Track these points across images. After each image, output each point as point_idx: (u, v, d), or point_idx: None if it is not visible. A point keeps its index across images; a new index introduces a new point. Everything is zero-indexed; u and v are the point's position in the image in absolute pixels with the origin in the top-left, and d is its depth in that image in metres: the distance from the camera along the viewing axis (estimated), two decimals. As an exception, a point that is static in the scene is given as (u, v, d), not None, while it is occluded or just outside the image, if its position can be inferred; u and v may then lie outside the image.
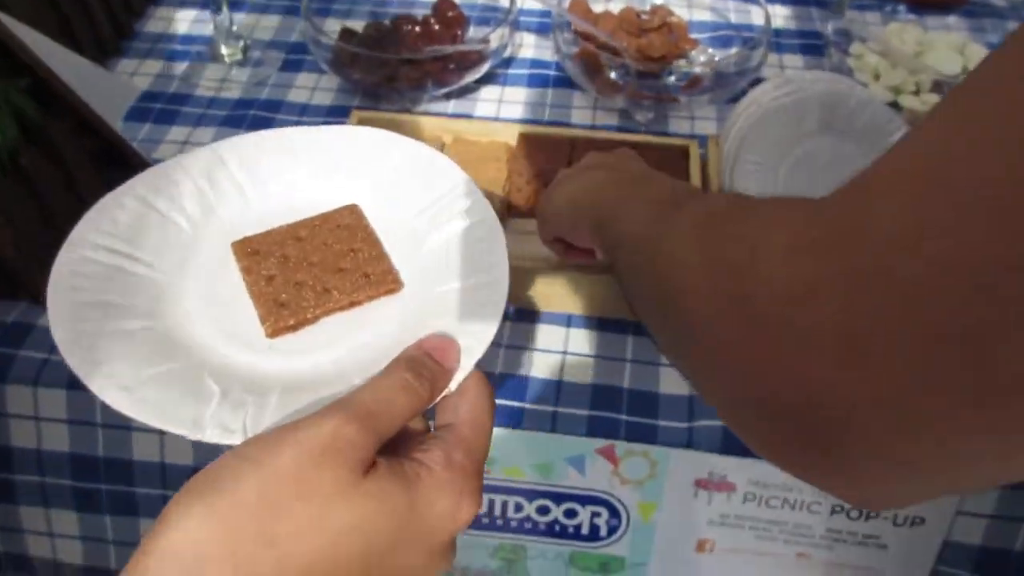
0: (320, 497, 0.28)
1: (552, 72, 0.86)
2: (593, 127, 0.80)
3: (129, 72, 0.84)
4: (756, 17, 0.87)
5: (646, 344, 0.62)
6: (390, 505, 0.29)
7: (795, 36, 0.93)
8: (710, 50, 0.87)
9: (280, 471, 0.28)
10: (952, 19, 0.94)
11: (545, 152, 0.71)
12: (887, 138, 0.63)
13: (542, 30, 0.91)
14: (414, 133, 0.71)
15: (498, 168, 0.71)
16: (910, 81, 0.80)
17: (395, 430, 0.31)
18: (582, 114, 0.82)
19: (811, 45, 0.91)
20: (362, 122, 0.71)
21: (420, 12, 0.89)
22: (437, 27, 0.86)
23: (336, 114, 0.81)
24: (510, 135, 0.73)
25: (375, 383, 0.33)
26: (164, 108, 0.81)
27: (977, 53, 0.86)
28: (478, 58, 0.81)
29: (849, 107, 0.62)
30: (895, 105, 0.79)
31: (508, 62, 0.87)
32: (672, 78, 0.81)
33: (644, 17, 0.87)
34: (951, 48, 0.85)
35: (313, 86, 0.84)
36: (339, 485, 0.28)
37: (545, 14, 0.92)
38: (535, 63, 0.87)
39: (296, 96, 0.83)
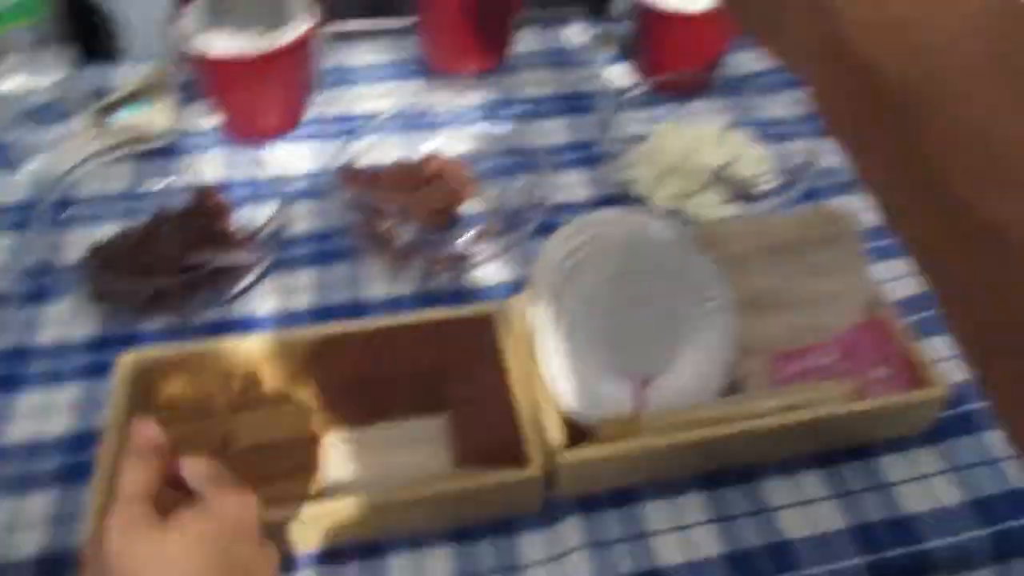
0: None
1: (338, 245, 0.81)
2: (393, 302, 0.76)
3: None
4: (530, 137, 0.87)
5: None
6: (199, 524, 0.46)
7: (570, 150, 0.93)
8: (493, 188, 0.85)
9: None
10: (710, 101, 0.98)
11: (347, 353, 0.66)
12: (684, 271, 0.63)
13: (317, 196, 0.86)
14: (199, 372, 0.64)
15: (301, 387, 0.65)
16: (687, 185, 0.82)
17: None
18: (377, 288, 0.77)
19: (587, 158, 0.91)
20: (135, 370, 0.63)
21: (177, 202, 0.82)
22: (201, 221, 0.79)
23: (103, 349, 0.72)
24: (305, 336, 0.67)
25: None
26: None
27: (736, 138, 0.89)
28: (251, 249, 0.75)
29: (644, 249, 0.62)
30: (677, 212, 0.81)
31: (288, 243, 0.81)
32: (462, 229, 0.79)
33: (420, 168, 0.84)
34: (713, 140, 0.89)
35: (71, 318, 0.75)
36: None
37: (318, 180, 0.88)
38: (316, 238, 0.82)
39: (48, 334, 0.73)
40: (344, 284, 0.77)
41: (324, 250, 0.81)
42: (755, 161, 0.87)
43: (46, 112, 0.83)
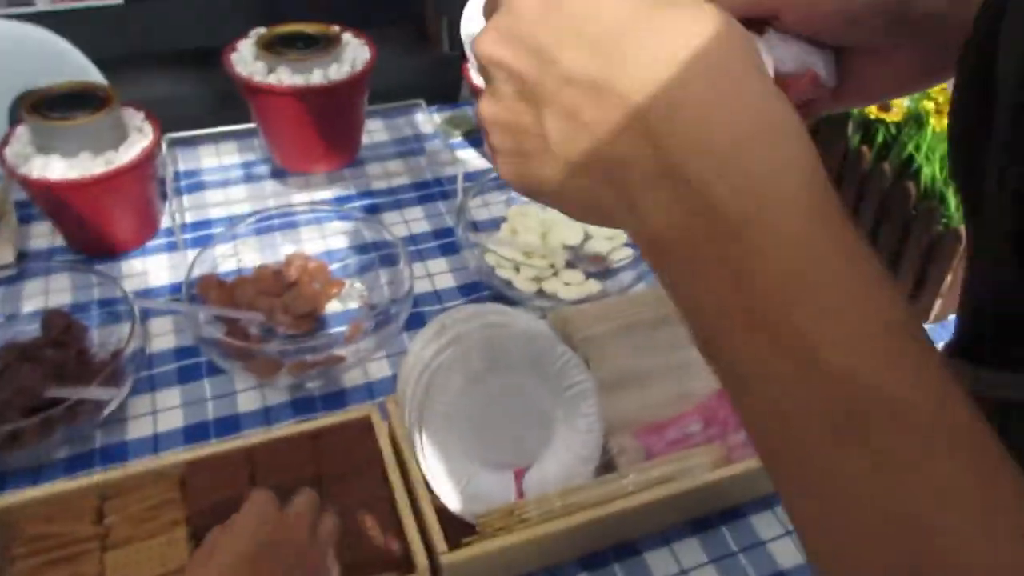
0: None
1: (204, 359, 0.79)
2: (265, 412, 0.75)
3: None
4: (389, 229, 0.88)
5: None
6: None
7: (431, 238, 0.95)
8: (357, 284, 0.86)
9: None
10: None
11: (222, 474, 0.64)
12: (547, 361, 0.65)
13: (178, 311, 0.84)
14: (65, 510, 0.61)
15: (175, 510, 0.63)
16: (546, 265, 0.85)
17: None
18: (249, 400, 0.76)
19: (447, 246, 0.94)
20: (-11, 522, 0.60)
21: (27, 330, 0.78)
22: (54, 350, 0.75)
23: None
24: (176, 459, 0.65)
25: None
26: None
27: (590, 213, 0.94)
28: (111, 373, 0.72)
29: (507, 344, 0.64)
30: (540, 292, 0.84)
31: (150, 361, 0.79)
32: (330, 330, 0.79)
33: (281, 271, 0.84)
34: (567, 219, 0.93)
35: (-87, 470, 0.70)
36: None
37: (176, 290, 0.86)
38: (179, 354, 0.80)
39: None
40: (213, 400, 0.76)
41: (189, 366, 0.79)
42: (609, 236, 0.91)
43: None
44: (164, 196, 0.96)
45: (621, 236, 0.92)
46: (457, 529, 0.61)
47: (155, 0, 1.83)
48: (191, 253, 0.85)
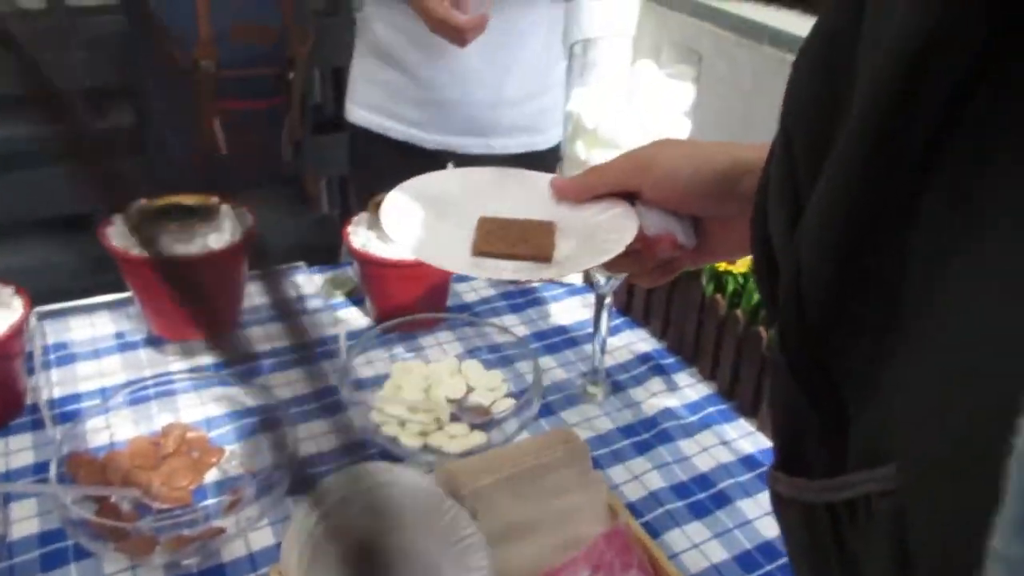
0: None
1: (69, 543, 0.75)
2: (138, 595, 0.71)
3: None
4: (270, 393, 0.88)
5: None
6: None
7: (313, 399, 0.95)
8: (239, 448, 0.84)
9: None
10: (441, 335, 1.05)
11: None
12: (435, 517, 0.65)
13: (42, 493, 0.79)
14: None
15: None
16: (431, 420, 0.86)
17: None
18: (120, 584, 0.72)
19: (331, 405, 0.94)
20: None
21: None
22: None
23: None
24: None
25: None
26: None
27: (471, 367, 0.97)
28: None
29: (392, 504, 0.64)
30: (426, 447, 0.85)
31: (10, 550, 0.74)
32: (210, 502, 0.77)
33: (158, 443, 0.82)
34: (452, 372, 0.95)
35: None
36: None
37: (42, 470, 0.82)
38: (43, 538, 0.75)
39: None
40: (80, 588, 0.71)
41: (53, 552, 0.74)
42: (490, 387, 0.94)
43: None
44: (31, 371, 0.92)
45: (503, 387, 0.95)
46: None
47: (23, 169, 1.81)
48: (60, 430, 0.82)
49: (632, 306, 1.13)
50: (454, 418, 0.88)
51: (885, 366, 0.30)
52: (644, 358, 1.05)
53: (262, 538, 0.77)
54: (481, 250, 0.58)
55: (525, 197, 0.61)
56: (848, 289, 0.31)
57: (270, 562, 0.73)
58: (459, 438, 0.85)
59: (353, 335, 1.00)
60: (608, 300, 0.93)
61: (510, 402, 0.91)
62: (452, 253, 0.59)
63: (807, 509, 0.35)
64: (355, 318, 1.10)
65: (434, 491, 0.68)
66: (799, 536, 0.36)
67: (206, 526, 0.72)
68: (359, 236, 1.04)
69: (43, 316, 1.00)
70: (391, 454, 0.84)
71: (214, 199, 0.95)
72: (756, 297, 0.93)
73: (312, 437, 0.89)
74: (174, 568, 0.73)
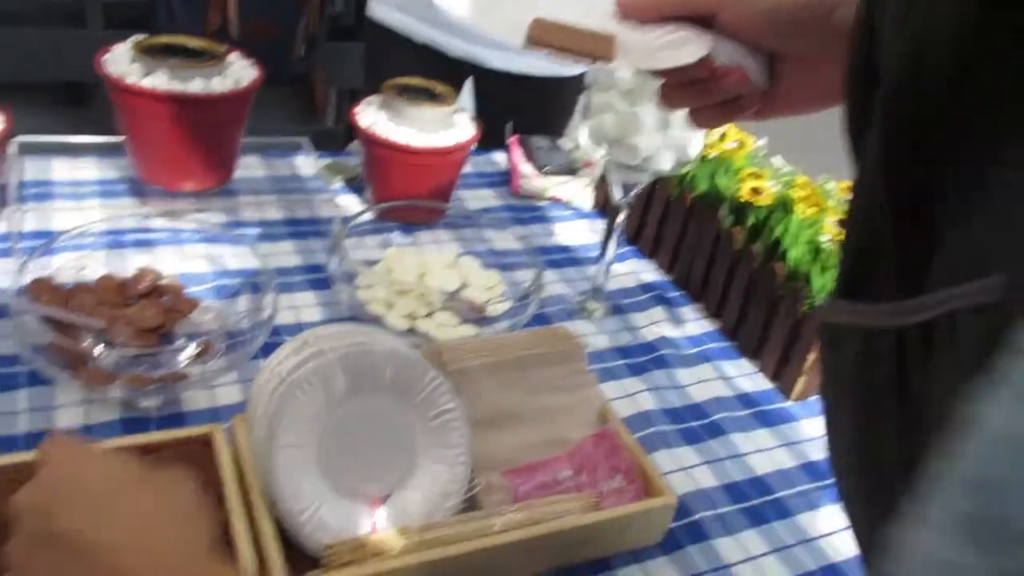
0: None
1: (22, 368, 0.69)
2: (88, 429, 0.66)
3: None
4: (256, 259, 0.82)
5: None
6: None
7: (301, 272, 0.90)
8: (215, 304, 0.79)
9: None
10: (439, 231, 1.00)
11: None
12: (415, 386, 0.61)
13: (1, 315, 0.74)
14: None
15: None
16: (421, 306, 0.81)
17: None
18: (70, 416, 0.67)
19: (319, 281, 0.89)
20: None
21: None
22: None
23: None
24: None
25: None
26: None
27: (468, 263, 0.92)
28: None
29: (372, 364, 0.59)
30: (412, 331, 0.80)
31: (-45, 366, 0.69)
32: (178, 352, 0.72)
33: (129, 284, 0.76)
34: (446, 265, 0.90)
35: None
36: None
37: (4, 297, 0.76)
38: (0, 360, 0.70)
39: None
40: (28, 412, 0.66)
41: (4, 376, 0.69)
42: (486, 285, 0.89)
43: None
44: (4, 203, 0.87)
45: (499, 287, 0.90)
46: (302, 562, 0.55)
47: (28, 26, 1.73)
48: (28, 257, 0.76)
49: (641, 237, 1.08)
50: (445, 308, 0.83)
51: (998, 170, 0.26)
52: (648, 287, 1.00)
53: (228, 394, 0.72)
54: (537, 40, 0.50)
55: (584, 7, 0.52)
56: (968, 87, 0.26)
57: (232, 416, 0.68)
58: (447, 327, 0.81)
59: (349, 217, 0.95)
60: (621, 217, 0.88)
61: (506, 304, 0.86)
62: (507, 24, 0.51)
63: (869, 339, 0.31)
64: (353, 205, 1.05)
65: (418, 361, 0.63)
66: (851, 377, 0.32)
67: (169, 369, 0.68)
68: (367, 116, 0.98)
69: (25, 149, 0.94)
70: (375, 334, 0.79)
71: (224, 46, 0.89)
72: (776, 232, 0.88)
73: (293, 307, 0.84)
74: (130, 407, 0.68)
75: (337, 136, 2.19)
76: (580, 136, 0.83)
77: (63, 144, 0.97)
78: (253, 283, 0.79)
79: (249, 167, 1.06)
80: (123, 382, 0.65)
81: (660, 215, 1.05)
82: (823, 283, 0.84)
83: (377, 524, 0.58)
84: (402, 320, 0.80)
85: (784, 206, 0.90)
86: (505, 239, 0.95)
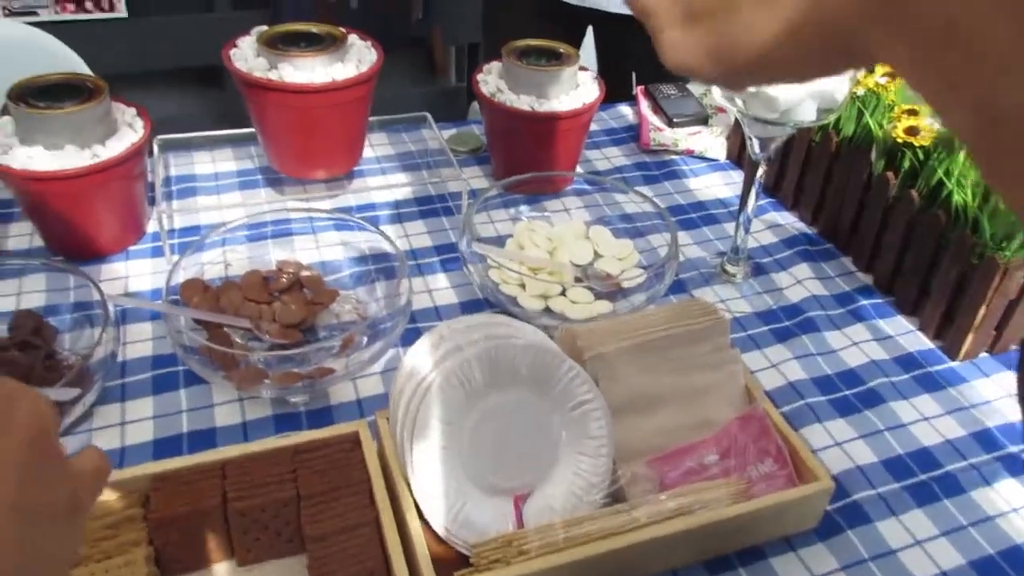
0: None
1: (181, 368, 0.73)
2: (244, 427, 0.69)
3: None
4: (389, 242, 0.83)
5: None
6: None
7: (433, 253, 0.90)
8: (353, 293, 0.81)
9: None
10: (568, 199, 0.98)
11: (190, 490, 0.58)
12: (553, 377, 0.59)
13: (156, 316, 0.78)
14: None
15: (135, 529, 0.56)
16: (553, 285, 0.80)
17: None
18: (227, 414, 0.70)
19: (449, 261, 0.89)
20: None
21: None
22: (21, 352, 0.70)
23: None
24: (141, 477, 0.59)
25: None
26: None
27: (600, 233, 0.89)
28: (77, 376, 0.66)
29: (509, 358, 0.59)
30: (547, 311, 0.78)
31: (123, 368, 0.73)
32: (321, 343, 0.73)
33: (272, 278, 0.79)
34: (578, 236, 0.88)
35: None
36: None
37: (156, 296, 0.81)
38: (156, 361, 0.74)
39: None
40: (188, 412, 0.70)
41: (165, 376, 0.73)
42: (619, 256, 0.86)
43: None
44: (152, 201, 0.91)
45: (632, 257, 0.87)
46: (449, 560, 0.55)
47: (158, 15, 1.80)
48: (177, 258, 0.80)
49: (782, 187, 1.02)
50: (578, 283, 0.81)
51: None
52: (791, 242, 0.94)
53: (371, 385, 0.73)
54: None
55: None
56: None
57: (377, 408, 0.70)
58: (582, 304, 0.79)
59: (476, 194, 0.94)
60: (760, 172, 0.82)
61: (640, 272, 0.84)
62: None
63: None
64: (479, 177, 1.04)
65: (554, 351, 0.61)
66: None
67: (316, 365, 0.69)
68: (489, 84, 0.96)
69: (166, 146, 0.98)
70: (509, 315, 0.78)
71: (341, 30, 0.89)
72: (937, 174, 0.80)
73: (428, 291, 0.85)
74: (281, 404, 0.71)
75: (459, 94, 2.18)
76: (714, 89, 0.78)
77: (202, 138, 1.00)
78: (388, 268, 0.80)
79: (376, 145, 1.07)
80: (273, 380, 0.68)
81: (802, 161, 0.98)
82: (995, 229, 0.76)
83: (521, 522, 0.58)
84: (536, 300, 0.78)
85: (947, 145, 0.82)
86: (636, 202, 0.91)
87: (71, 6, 1.81)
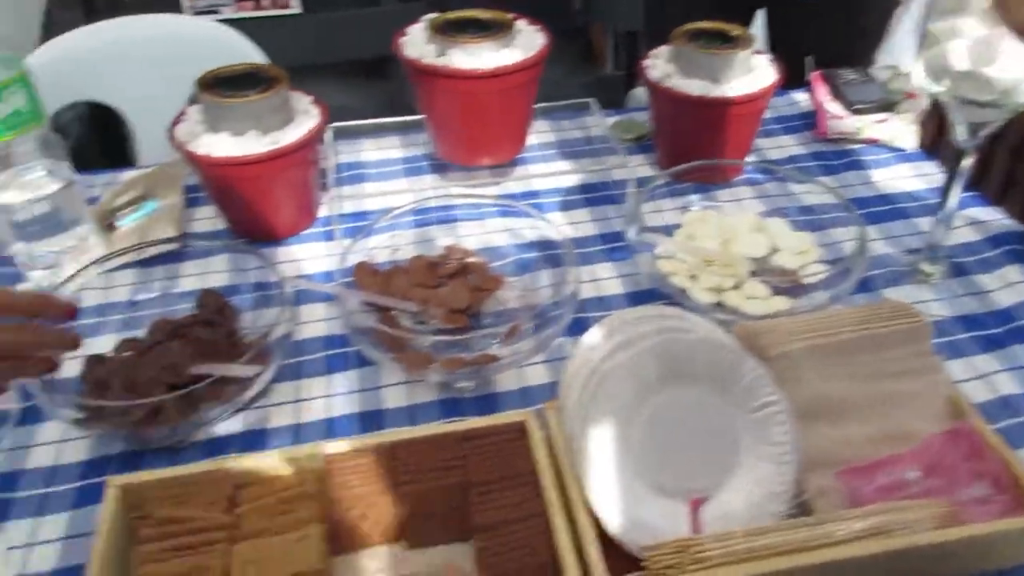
0: None
1: (352, 349, 0.75)
2: (411, 410, 0.69)
3: None
4: (554, 230, 0.81)
5: None
6: None
7: (598, 242, 0.88)
8: (518, 281, 0.79)
9: None
10: (740, 189, 0.92)
11: (361, 470, 0.58)
12: (732, 375, 0.56)
13: (328, 299, 0.80)
14: (197, 494, 0.57)
15: (310, 506, 0.57)
16: (727, 276, 0.76)
17: None
18: (395, 396, 0.70)
19: (616, 250, 0.86)
20: (125, 496, 0.56)
21: (182, 308, 0.77)
22: (205, 329, 0.73)
23: (94, 472, 0.65)
24: (317, 455, 0.60)
25: None
26: None
27: (776, 226, 0.84)
28: (257, 353, 0.68)
29: (685, 353, 0.55)
30: (719, 305, 0.74)
31: (297, 347, 0.75)
32: (487, 330, 0.73)
33: (438, 263, 0.79)
34: (752, 228, 0.83)
35: (61, 437, 0.68)
36: None
37: (329, 279, 0.82)
38: (328, 342, 0.76)
39: (40, 458, 0.66)
40: (359, 393, 0.71)
41: (337, 356, 0.74)
42: (798, 251, 0.81)
43: (50, 221, 0.79)
44: (324, 187, 0.93)
45: (813, 251, 0.81)
46: (618, 560, 0.53)
47: (330, 10, 1.87)
48: (347, 243, 0.82)
49: (988, 180, 0.92)
50: (754, 277, 0.76)
51: None
52: (996, 240, 0.85)
53: (536, 374, 0.72)
54: None
55: None
56: None
57: (542, 398, 0.68)
58: (759, 300, 0.74)
59: (642, 183, 0.91)
60: (967, 161, 0.74)
61: (822, 269, 0.78)
62: None
63: None
64: (644, 165, 1.00)
65: (733, 348, 0.58)
66: None
67: (481, 351, 0.69)
68: (657, 70, 0.93)
69: (338, 134, 1.01)
70: (681, 308, 0.75)
71: (509, 15, 0.88)
72: None
73: (594, 280, 0.82)
74: (447, 389, 0.70)
75: (617, 83, 2.15)
76: (914, 71, 0.71)
77: (371, 125, 1.02)
78: (553, 256, 0.78)
79: (539, 133, 1.05)
80: (439, 365, 0.67)
81: (1012, 149, 0.88)
82: None
83: (698, 527, 0.55)
84: (707, 294, 0.74)
85: None
86: (815, 193, 0.85)
87: (249, 4, 1.91)
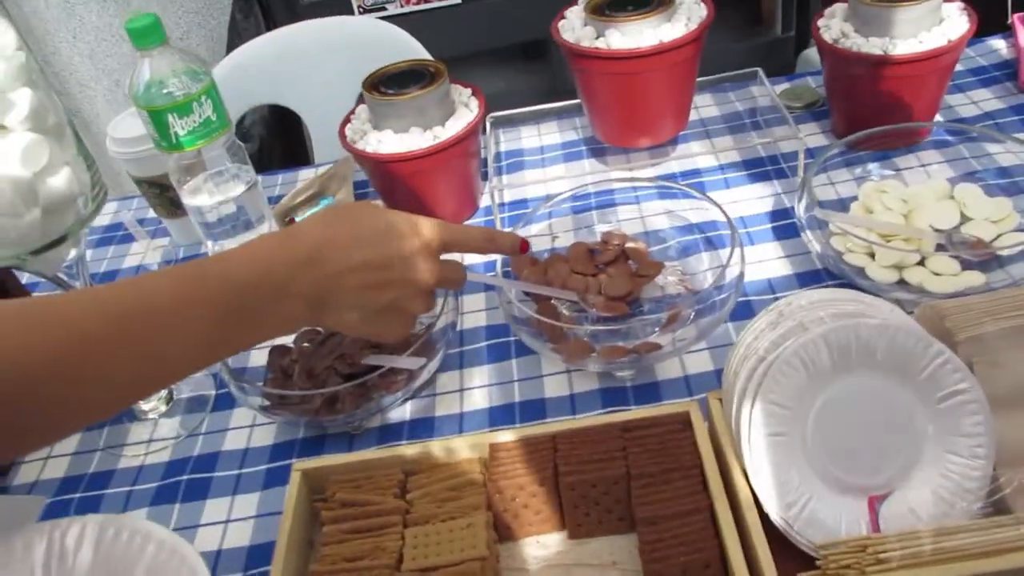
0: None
1: (512, 338, 0.76)
2: (572, 399, 0.69)
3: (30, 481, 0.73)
4: (718, 210, 0.78)
5: None
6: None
7: (764, 220, 0.83)
8: (679, 265, 0.77)
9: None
10: (925, 154, 0.85)
11: (524, 460, 0.59)
12: (916, 362, 0.51)
13: (490, 288, 0.81)
14: (371, 479, 0.60)
15: (476, 493, 0.59)
16: (910, 254, 0.70)
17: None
18: (556, 385, 0.70)
19: (785, 228, 0.81)
20: (308, 479, 0.60)
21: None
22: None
23: (281, 456, 0.70)
24: (481, 444, 0.61)
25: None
26: (83, 496, 0.70)
27: (968, 192, 0.76)
28: (423, 344, 0.71)
29: (862, 339, 0.51)
30: (902, 283, 0.69)
31: (461, 338, 0.77)
32: (647, 316, 0.71)
33: (597, 250, 0.78)
34: (940, 196, 0.76)
35: (251, 422, 0.74)
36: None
37: (489, 268, 0.84)
38: (490, 331, 0.77)
39: (234, 441, 0.72)
40: (520, 382, 0.72)
41: (498, 345, 0.75)
42: (994, 219, 0.73)
43: (237, 221, 0.85)
44: (484, 176, 0.95)
45: (1012, 219, 0.73)
46: (788, 559, 0.50)
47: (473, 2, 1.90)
48: (508, 230, 0.83)
49: None
50: (940, 250, 0.70)
51: None
52: None
53: (699, 362, 0.70)
54: None
55: None
56: None
57: (705, 388, 0.66)
58: (947, 276, 0.68)
59: (812, 153, 0.85)
60: None
61: (1022, 238, 0.70)
62: None
63: None
64: (816, 134, 0.95)
65: (917, 332, 0.53)
66: None
67: (642, 339, 0.67)
68: (832, 30, 0.86)
69: (497, 123, 1.02)
70: (856, 288, 0.70)
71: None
72: None
73: (759, 261, 0.79)
74: (607, 378, 0.70)
75: (787, 45, 2.03)
76: None
77: (529, 113, 1.02)
78: (715, 237, 0.75)
79: (700, 107, 1.02)
80: (599, 354, 0.67)
81: None
82: None
83: (877, 526, 0.51)
84: (888, 271, 0.69)
85: None
86: (1015, 152, 0.76)
87: (413, -1, 1.97)
